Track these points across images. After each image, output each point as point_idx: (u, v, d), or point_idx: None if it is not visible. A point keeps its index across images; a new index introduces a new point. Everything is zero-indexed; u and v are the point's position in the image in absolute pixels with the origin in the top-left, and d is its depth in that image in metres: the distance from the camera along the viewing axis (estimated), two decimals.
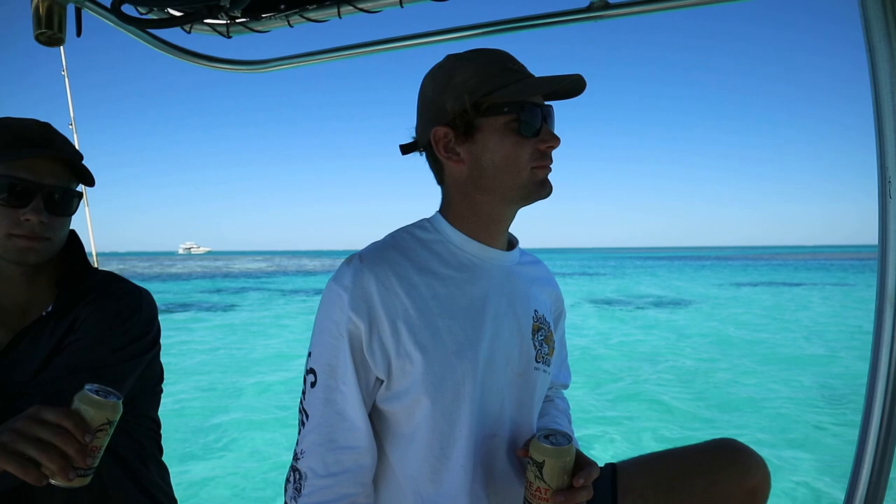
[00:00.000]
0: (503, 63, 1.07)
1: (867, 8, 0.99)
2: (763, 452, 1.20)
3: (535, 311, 1.14)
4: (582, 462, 1.02)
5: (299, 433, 1.04)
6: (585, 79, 1.05)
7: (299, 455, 1.02)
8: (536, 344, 1.12)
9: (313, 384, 1.02)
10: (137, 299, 1.25)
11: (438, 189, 1.15)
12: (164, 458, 1.37)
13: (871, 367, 1.04)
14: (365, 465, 1.02)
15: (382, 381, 1.03)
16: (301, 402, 1.05)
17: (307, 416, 1.03)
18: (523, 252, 1.23)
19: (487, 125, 1.04)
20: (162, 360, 1.35)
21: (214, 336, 12.86)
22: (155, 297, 1.31)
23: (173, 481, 1.38)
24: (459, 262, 1.09)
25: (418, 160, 1.15)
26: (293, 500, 1.01)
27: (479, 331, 1.05)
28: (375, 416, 1.06)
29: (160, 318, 1.32)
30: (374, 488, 1.05)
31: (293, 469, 1.03)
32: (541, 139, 1.05)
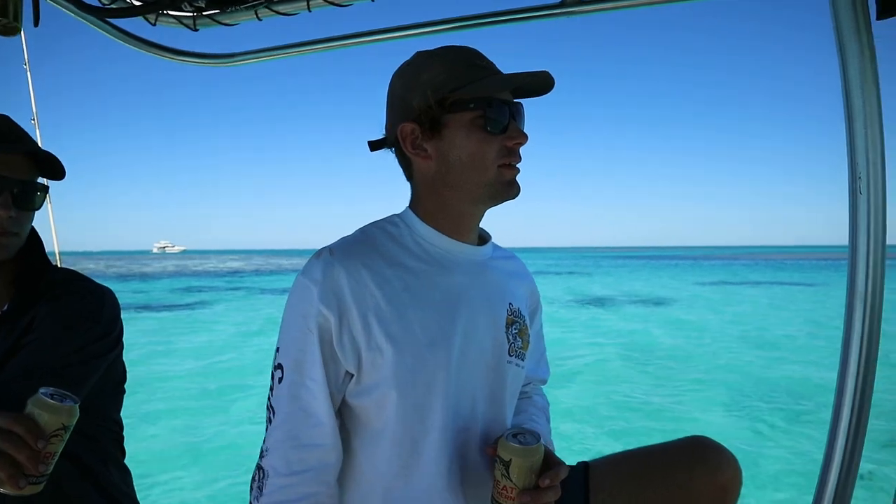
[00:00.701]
0: (471, 59, 1.07)
1: (838, 8, 1.01)
2: (734, 451, 1.21)
3: (510, 304, 1.15)
4: (550, 462, 1.03)
5: (266, 430, 1.03)
6: (554, 76, 1.06)
7: (264, 453, 1.02)
8: (510, 337, 1.13)
9: (280, 380, 1.02)
10: (99, 298, 1.24)
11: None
12: (127, 461, 1.34)
13: (841, 363, 1.07)
14: (329, 463, 1.01)
15: (352, 376, 1.03)
16: (269, 399, 1.04)
17: (273, 413, 1.02)
18: (497, 247, 1.24)
19: (454, 121, 1.05)
20: (130, 361, 1.33)
21: (186, 337, 12.70)
22: (127, 296, 1.30)
23: (137, 484, 1.35)
24: (430, 256, 1.09)
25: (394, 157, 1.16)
26: (256, 500, 1.00)
27: (453, 323, 1.05)
28: (345, 413, 1.06)
29: (129, 317, 1.30)
30: (339, 488, 1.04)
31: (258, 467, 1.02)
32: (508, 136, 1.05)
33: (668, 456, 1.20)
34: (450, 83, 1.04)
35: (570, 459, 1.22)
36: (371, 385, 1.02)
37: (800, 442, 5.83)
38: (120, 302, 1.28)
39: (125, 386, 1.34)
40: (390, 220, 1.14)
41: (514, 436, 1.00)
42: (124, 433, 1.35)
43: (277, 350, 1.04)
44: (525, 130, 1.08)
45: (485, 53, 1.11)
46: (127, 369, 1.34)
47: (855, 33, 1.00)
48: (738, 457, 1.18)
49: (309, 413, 1.00)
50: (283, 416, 1.00)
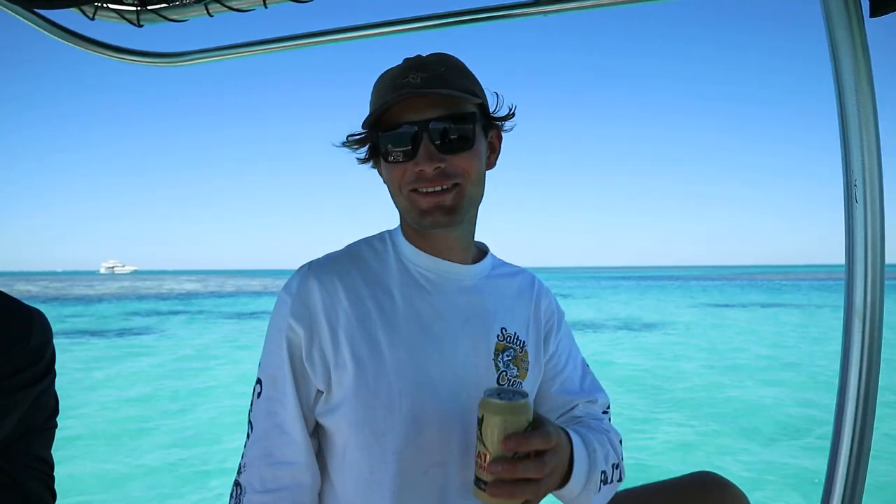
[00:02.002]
0: (395, 78, 1.02)
1: (829, 4, 0.99)
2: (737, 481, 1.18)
3: (503, 329, 1.10)
4: (539, 424, 0.88)
5: (245, 445, 1.05)
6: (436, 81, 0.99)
7: (242, 468, 1.03)
8: (500, 365, 1.07)
9: (259, 395, 1.04)
10: (27, 321, 1.13)
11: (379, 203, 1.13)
12: None
13: (840, 384, 1.03)
14: (304, 483, 1.00)
15: (322, 393, 1.03)
16: (249, 413, 1.06)
17: (252, 428, 1.04)
18: (499, 264, 1.19)
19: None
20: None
21: (135, 365, 12.17)
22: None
23: None
24: (411, 277, 1.08)
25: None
26: None
27: (424, 348, 1.02)
28: (319, 432, 1.06)
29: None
30: None
31: (236, 483, 1.03)
32: (414, 162, 1.00)
33: (675, 493, 1.17)
34: (371, 108, 1.04)
35: None
36: (336, 403, 1.01)
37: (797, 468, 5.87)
38: (55, 327, 1.18)
39: (57, 420, 1.23)
40: (379, 236, 1.15)
41: (499, 393, 0.86)
42: (55, 473, 1.24)
43: (259, 365, 1.06)
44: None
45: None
46: (59, 401, 1.23)
47: (848, 31, 0.98)
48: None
49: (283, 430, 1.01)
50: (260, 433, 1.02)
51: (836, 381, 1.06)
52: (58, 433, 1.24)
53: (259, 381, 1.04)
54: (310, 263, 1.07)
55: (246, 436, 1.05)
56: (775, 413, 8.02)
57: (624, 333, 17.22)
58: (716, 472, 1.20)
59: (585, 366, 1.24)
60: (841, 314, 1.03)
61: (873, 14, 0.96)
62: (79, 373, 10.83)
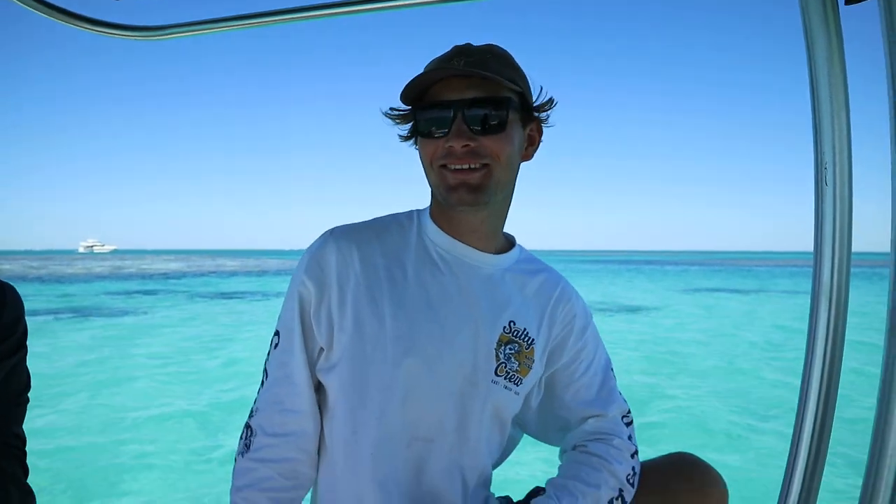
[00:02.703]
0: (441, 61, 1.08)
1: (806, 2, 1.01)
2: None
3: (512, 322, 1.12)
4: None
5: (258, 391, 1.14)
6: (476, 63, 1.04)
7: (254, 412, 1.13)
8: (501, 356, 1.10)
9: (276, 345, 1.13)
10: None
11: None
12: (31, 482, 1.24)
13: (806, 361, 1.07)
14: (307, 430, 1.10)
15: (324, 350, 1.10)
16: (265, 362, 1.15)
17: (266, 376, 1.13)
18: (527, 259, 1.21)
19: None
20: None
21: (113, 345, 12.05)
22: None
23: None
24: (428, 256, 1.13)
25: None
26: (241, 455, 1.11)
27: (425, 325, 1.06)
28: (320, 389, 1.13)
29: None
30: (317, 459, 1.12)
31: (247, 426, 1.13)
32: (447, 138, 1.04)
33: (652, 474, 1.18)
34: (412, 84, 1.06)
35: (543, 475, 1.20)
36: (332, 363, 1.09)
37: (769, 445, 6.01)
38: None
39: (29, 395, 1.24)
40: (408, 213, 1.20)
41: None
42: (27, 449, 1.25)
43: (279, 317, 1.14)
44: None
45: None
46: (31, 377, 1.24)
47: (822, 18, 1.00)
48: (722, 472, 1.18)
49: (291, 379, 1.10)
50: (272, 381, 1.11)
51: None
52: (33, 413, 1.25)
53: (277, 333, 1.13)
54: (333, 228, 1.14)
55: (260, 382, 1.14)
56: (755, 392, 8.20)
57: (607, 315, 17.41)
58: (693, 453, 1.22)
59: (608, 372, 1.23)
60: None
61: (848, 1, 0.98)
62: (53, 352, 10.72)
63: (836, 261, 1.04)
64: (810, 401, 1.07)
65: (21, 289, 1.24)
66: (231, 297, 23.95)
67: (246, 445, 1.11)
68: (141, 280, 35.96)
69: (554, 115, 1.15)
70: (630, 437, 1.19)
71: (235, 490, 1.08)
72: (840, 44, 1.01)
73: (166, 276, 41.10)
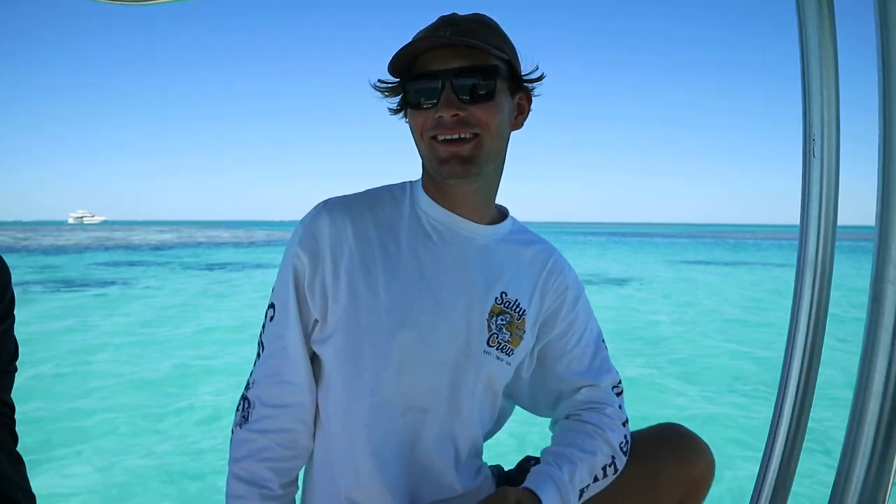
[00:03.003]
0: (427, 31, 1.07)
1: None
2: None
3: (504, 293, 1.13)
4: None
5: (254, 364, 1.15)
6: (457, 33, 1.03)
7: (251, 384, 1.13)
8: (493, 327, 1.11)
9: (271, 318, 1.13)
10: None
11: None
12: (21, 450, 1.25)
13: (790, 331, 1.09)
14: (304, 402, 1.11)
15: (318, 322, 1.11)
16: (260, 335, 1.15)
17: (262, 348, 1.14)
18: (519, 230, 1.21)
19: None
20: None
21: (104, 316, 12.04)
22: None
23: (31, 476, 1.26)
24: (421, 227, 1.13)
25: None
26: (239, 426, 1.12)
27: (419, 296, 1.08)
28: (314, 360, 1.14)
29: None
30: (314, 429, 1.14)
31: (243, 398, 1.14)
32: (436, 108, 1.03)
33: (640, 444, 1.20)
34: (399, 55, 1.06)
35: (533, 445, 1.22)
36: (327, 334, 1.10)
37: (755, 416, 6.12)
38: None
39: (17, 364, 1.24)
40: (401, 185, 1.19)
41: None
42: (16, 416, 1.26)
43: (273, 290, 1.15)
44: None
45: None
46: (19, 345, 1.24)
47: None
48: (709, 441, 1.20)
49: (287, 351, 1.11)
50: (269, 352, 1.12)
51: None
52: (23, 382, 1.26)
53: (271, 306, 1.14)
54: (326, 200, 1.14)
55: (256, 355, 1.15)
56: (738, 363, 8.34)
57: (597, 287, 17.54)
58: (681, 423, 1.24)
59: (599, 343, 1.24)
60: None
61: None
62: (40, 323, 10.69)
63: (822, 232, 1.06)
64: (793, 370, 1.10)
65: (7, 259, 1.23)
66: (218, 268, 23.90)
67: (244, 417, 1.12)
68: (126, 251, 35.73)
69: (553, 91, 1.15)
70: (621, 407, 1.21)
71: (234, 461, 1.10)
72: (831, 17, 1.02)
73: (154, 247, 40.83)
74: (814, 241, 1.06)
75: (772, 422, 1.12)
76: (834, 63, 1.03)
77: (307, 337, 1.12)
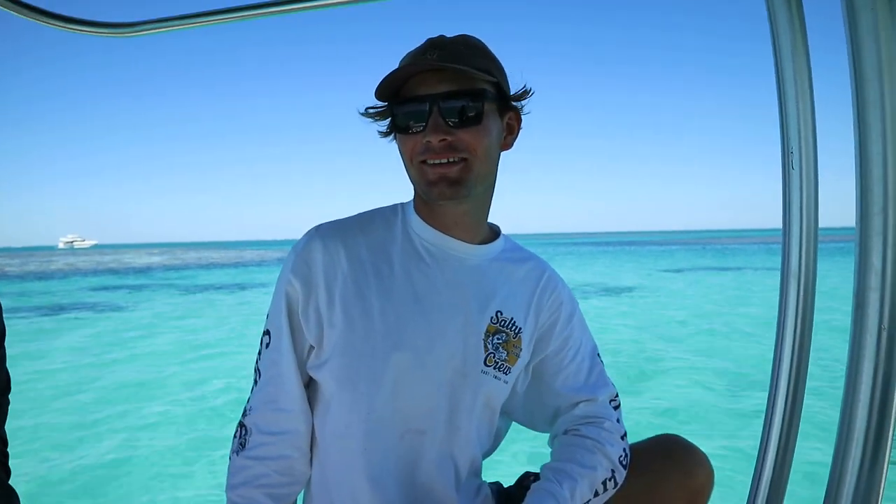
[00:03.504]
0: (415, 55, 1.08)
1: None
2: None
3: (499, 312, 1.13)
4: None
5: (251, 391, 1.15)
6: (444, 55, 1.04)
7: (247, 412, 1.14)
8: (489, 346, 1.11)
9: (267, 345, 1.14)
10: None
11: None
12: (14, 483, 1.24)
13: (777, 339, 1.10)
14: (300, 429, 1.11)
15: (314, 348, 1.11)
16: (256, 361, 1.16)
17: (259, 375, 1.14)
18: (512, 248, 1.21)
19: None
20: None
21: (96, 342, 11.90)
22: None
23: None
24: (414, 249, 1.12)
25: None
26: (236, 453, 1.12)
27: (413, 318, 1.08)
28: (311, 385, 1.15)
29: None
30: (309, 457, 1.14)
31: (240, 424, 1.14)
32: (424, 133, 1.04)
33: (638, 456, 1.20)
34: (387, 80, 1.06)
35: (534, 458, 1.22)
36: (324, 360, 1.09)
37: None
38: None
39: (9, 396, 1.23)
40: (392, 207, 1.20)
41: None
42: (9, 450, 1.24)
43: (267, 316, 1.15)
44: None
45: None
46: (11, 377, 1.23)
47: (787, 9, 1.02)
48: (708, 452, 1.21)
49: (282, 378, 1.11)
50: (265, 380, 1.12)
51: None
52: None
53: (267, 332, 1.14)
54: (318, 226, 1.15)
55: (253, 381, 1.16)
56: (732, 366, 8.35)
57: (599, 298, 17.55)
58: (680, 435, 1.24)
59: (595, 358, 1.24)
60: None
61: None
62: (51, 352, 10.61)
63: (804, 241, 1.07)
64: (782, 375, 1.10)
65: (3, 287, 1.22)
66: (205, 289, 23.77)
67: (241, 444, 1.11)
68: (118, 275, 35.47)
69: (535, 101, 1.15)
70: (619, 420, 1.21)
71: (231, 487, 1.09)
72: (802, 25, 1.03)
73: (145, 270, 40.60)
74: (796, 249, 1.07)
75: (764, 423, 1.13)
76: (808, 72, 1.05)
77: (302, 363, 1.12)
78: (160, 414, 6.85)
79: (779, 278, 1.10)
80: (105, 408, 7.11)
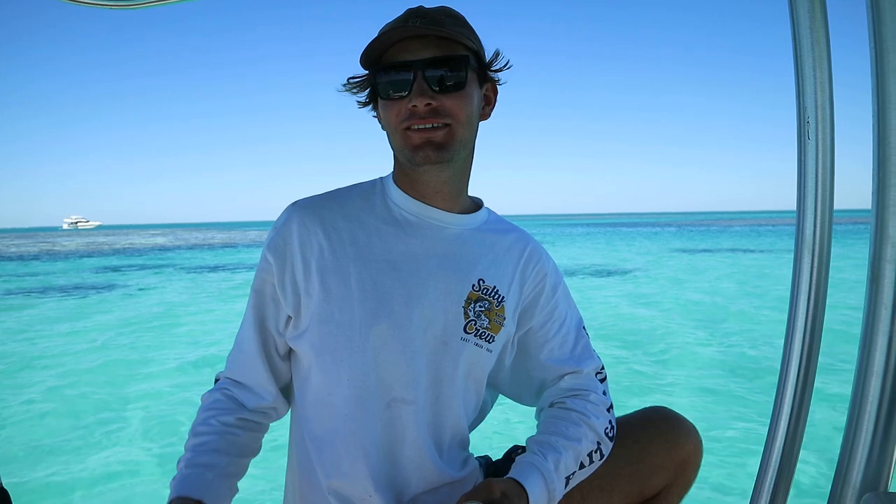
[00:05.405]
0: (395, 23, 1.06)
1: None
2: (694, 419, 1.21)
3: (481, 280, 1.11)
4: None
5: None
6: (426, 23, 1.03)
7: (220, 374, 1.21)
8: (470, 313, 1.09)
9: (243, 317, 1.17)
10: None
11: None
12: (4, 479, 1.19)
13: (790, 312, 1.08)
14: (241, 382, 1.16)
15: (291, 318, 1.11)
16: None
17: (234, 342, 1.20)
18: (494, 220, 1.20)
19: (378, 87, 1.08)
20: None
21: (98, 324, 11.82)
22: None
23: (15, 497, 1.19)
24: (392, 217, 1.12)
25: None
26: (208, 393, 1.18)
27: (392, 286, 1.07)
28: (291, 355, 1.17)
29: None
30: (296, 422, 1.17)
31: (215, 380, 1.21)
32: (409, 98, 1.03)
33: (626, 429, 1.18)
34: (370, 47, 1.04)
35: (521, 431, 1.20)
36: (302, 330, 1.10)
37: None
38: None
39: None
40: (371, 182, 1.19)
41: None
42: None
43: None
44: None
45: None
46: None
47: None
48: (699, 426, 1.19)
49: (241, 348, 1.16)
50: (234, 348, 1.18)
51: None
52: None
53: (250, 295, 1.17)
54: (296, 201, 1.15)
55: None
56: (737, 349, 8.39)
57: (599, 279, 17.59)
58: (667, 406, 1.23)
59: (580, 330, 1.22)
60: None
61: None
62: (34, 332, 10.45)
63: (819, 213, 1.04)
64: (794, 350, 1.09)
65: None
66: (209, 270, 23.80)
67: (215, 380, 1.20)
68: (120, 256, 35.47)
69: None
70: (605, 393, 1.19)
71: (200, 410, 1.15)
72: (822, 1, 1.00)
73: (148, 250, 40.61)
74: (811, 222, 1.05)
75: (775, 402, 1.11)
76: (826, 44, 1.02)
77: (278, 335, 1.14)
78: (171, 385, 6.90)
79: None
80: (125, 382, 7.16)
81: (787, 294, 1.10)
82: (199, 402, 1.15)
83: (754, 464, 1.16)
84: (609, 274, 18.59)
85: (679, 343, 8.84)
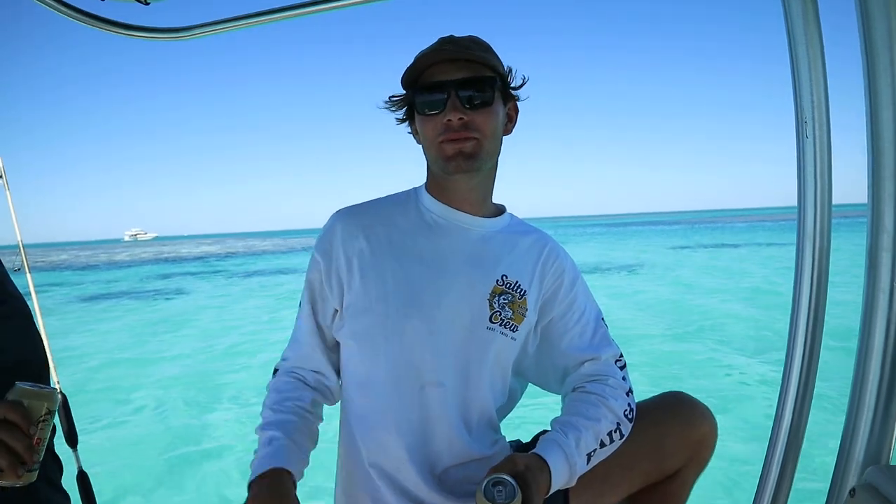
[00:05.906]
0: (435, 45, 1.20)
1: None
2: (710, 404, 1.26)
3: (504, 275, 1.22)
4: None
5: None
6: (467, 46, 1.17)
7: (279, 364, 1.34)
8: (495, 305, 1.20)
9: (301, 304, 1.31)
10: None
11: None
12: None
13: (793, 304, 1.12)
14: (304, 367, 1.29)
15: (337, 311, 1.25)
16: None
17: (292, 335, 1.33)
18: (517, 223, 1.32)
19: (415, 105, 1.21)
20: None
21: (154, 326, 12.47)
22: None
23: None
24: (423, 221, 1.25)
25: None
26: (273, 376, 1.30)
27: (423, 280, 1.19)
28: (340, 348, 1.28)
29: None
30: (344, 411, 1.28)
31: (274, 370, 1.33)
32: (443, 114, 1.15)
33: (645, 413, 1.25)
34: (409, 70, 1.17)
35: (543, 415, 1.28)
36: (345, 320, 1.23)
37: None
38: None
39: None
40: (405, 192, 1.33)
41: (494, 485, 0.99)
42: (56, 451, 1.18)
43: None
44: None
45: None
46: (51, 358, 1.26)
47: None
48: (715, 410, 1.24)
49: (298, 340, 1.29)
50: (293, 339, 1.31)
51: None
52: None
53: (300, 303, 1.32)
54: (340, 209, 1.30)
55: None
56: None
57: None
58: (685, 391, 1.28)
59: (599, 321, 1.30)
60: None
61: None
62: (115, 333, 11.16)
63: (819, 207, 1.09)
64: (797, 343, 1.12)
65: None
66: (256, 274, 24.38)
67: (274, 371, 1.31)
68: (181, 263, 36.79)
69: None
70: (624, 378, 1.26)
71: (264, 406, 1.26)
72: (815, 3, 1.04)
73: (203, 258, 42.01)
74: (811, 215, 1.09)
75: (781, 388, 1.15)
76: (819, 40, 1.05)
77: (327, 327, 1.27)
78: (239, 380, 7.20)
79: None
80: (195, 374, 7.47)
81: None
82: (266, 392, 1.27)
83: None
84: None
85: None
